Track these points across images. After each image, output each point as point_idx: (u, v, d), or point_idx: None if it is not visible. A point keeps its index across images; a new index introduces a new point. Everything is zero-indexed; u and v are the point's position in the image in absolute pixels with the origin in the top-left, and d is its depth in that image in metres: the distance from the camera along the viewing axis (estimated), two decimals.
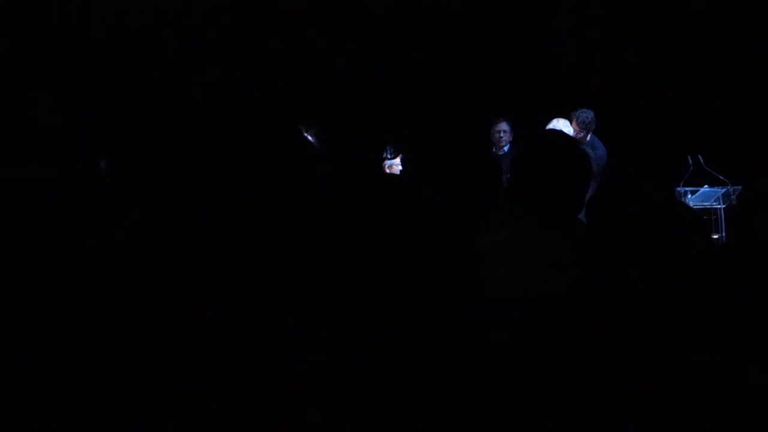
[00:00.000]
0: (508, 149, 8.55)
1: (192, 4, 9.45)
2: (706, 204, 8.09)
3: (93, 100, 8.59)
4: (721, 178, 8.14)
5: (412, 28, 9.55)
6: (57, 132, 2.59)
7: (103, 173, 2.69)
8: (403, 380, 1.98)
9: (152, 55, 9.23)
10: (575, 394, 2.34)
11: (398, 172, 7.85)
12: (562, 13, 9.76)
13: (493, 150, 8.59)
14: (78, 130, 2.55)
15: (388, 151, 2.12)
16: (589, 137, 8.18)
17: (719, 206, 7.97)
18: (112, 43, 9.09)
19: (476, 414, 2.06)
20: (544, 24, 9.76)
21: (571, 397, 2.33)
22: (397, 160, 7.78)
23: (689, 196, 8.15)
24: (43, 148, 2.58)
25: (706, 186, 8.22)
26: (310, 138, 2.13)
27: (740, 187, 7.67)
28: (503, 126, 8.68)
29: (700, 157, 8.28)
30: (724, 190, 8.03)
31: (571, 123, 8.24)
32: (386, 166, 7.58)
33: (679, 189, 8.17)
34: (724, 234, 7.78)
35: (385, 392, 1.97)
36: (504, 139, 8.65)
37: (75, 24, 9.00)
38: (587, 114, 8.18)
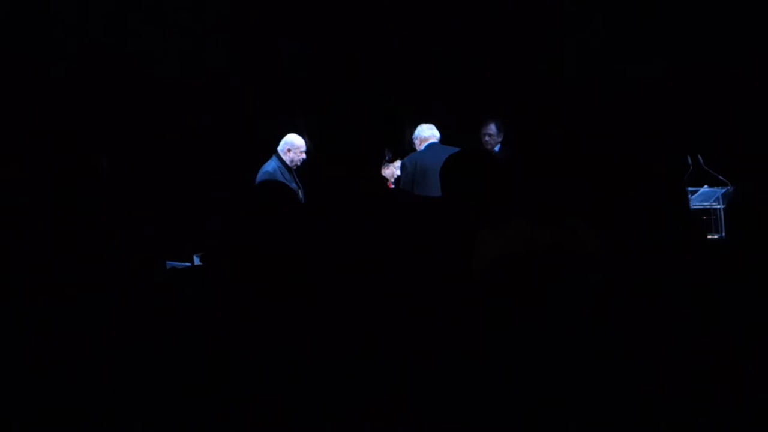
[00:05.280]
0: (499, 150, 8.64)
1: (191, 6, 9.45)
2: (706, 204, 8.10)
3: (94, 101, 8.60)
4: (721, 178, 8.15)
5: (405, 30, 9.56)
6: (58, 131, 2.59)
7: (105, 172, 2.69)
8: (403, 383, 1.98)
9: (151, 58, 9.23)
10: (573, 394, 2.34)
11: (395, 174, 7.90)
12: (560, 13, 9.77)
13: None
14: (79, 129, 2.56)
15: (387, 155, 2.13)
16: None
17: (719, 206, 7.97)
18: (112, 43, 9.10)
19: (478, 413, 2.06)
20: (541, 24, 9.77)
21: (569, 396, 2.33)
22: (397, 163, 7.84)
23: (690, 196, 8.15)
24: (44, 147, 2.58)
25: (706, 186, 8.24)
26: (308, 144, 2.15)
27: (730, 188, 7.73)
28: (491, 128, 8.78)
29: (699, 157, 8.29)
30: (724, 190, 8.04)
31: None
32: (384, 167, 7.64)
33: None
34: (724, 234, 7.78)
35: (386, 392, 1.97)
36: (491, 142, 8.75)
37: (74, 24, 9.00)
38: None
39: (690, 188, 8.13)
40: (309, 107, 2.12)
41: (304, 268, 2.03)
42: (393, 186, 7.87)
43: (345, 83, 2.13)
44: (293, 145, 7.94)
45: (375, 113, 2.10)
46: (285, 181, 7.51)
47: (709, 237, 7.52)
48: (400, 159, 7.60)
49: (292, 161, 7.96)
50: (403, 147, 2.19)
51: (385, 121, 2.10)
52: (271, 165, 7.98)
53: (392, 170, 7.85)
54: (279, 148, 8.04)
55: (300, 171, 8.03)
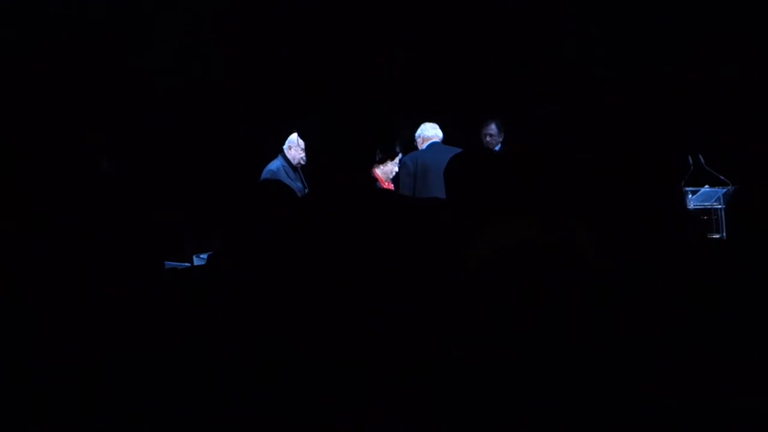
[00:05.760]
0: (500, 150, 8.65)
1: (193, 5, 9.45)
2: (707, 204, 8.10)
3: (94, 101, 8.60)
4: (722, 178, 8.15)
5: (405, 30, 9.56)
6: (58, 131, 2.58)
7: (105, 172, 2.69)
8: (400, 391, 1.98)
9: (152, 56, 9.23)
10: (572, 394, 2.34)
11: (393, 171, 7.89)
12: (559, 12, 9.77)
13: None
14: (80, 129, 2.56)
15: (377, 156, 2.13)
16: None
17: (719, 206, 7.98)
18: (112, 43, 9.10)
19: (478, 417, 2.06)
20: (542, 23, 9.77)
21: (568, 396, 2.33)
22: (396, 160, 7.83)
23: (690, 196, 8.16)
24: (43, 147, 2.58)
25: (706, 186, 8.24)
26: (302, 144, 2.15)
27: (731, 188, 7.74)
28: (492, 128, 8.80)
29: (700, 156, 8.29)
30: (724, 190, 8.04)
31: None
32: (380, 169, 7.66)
33: None
34: (724, 234, 7.79)
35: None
36: (492, 142, 8.76)
37: (75, 24, 9.00)
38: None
39: (690, 188, 8.14)
40: (301, 107, 2.12)
41: (302, 267, 2.03)
42: (392, 184, 7.87)
43: (337, 83, 2.13)
44: (294, 143, 7.92)
45: (366, 114, 2.10)
46: (289, 180, 7.49)
47: (709, 237, 7.52)
48: (391, 160, 7.57)
49: (294, 159, 7.94)
50: (394, 148, 2.20)
51: (376, 122, 2.10)
52: (275, 164, 7.95)
53: (391, 167, 7.83)
54: (284, 146, 8.02)
55: (305, 169, 8.00)
